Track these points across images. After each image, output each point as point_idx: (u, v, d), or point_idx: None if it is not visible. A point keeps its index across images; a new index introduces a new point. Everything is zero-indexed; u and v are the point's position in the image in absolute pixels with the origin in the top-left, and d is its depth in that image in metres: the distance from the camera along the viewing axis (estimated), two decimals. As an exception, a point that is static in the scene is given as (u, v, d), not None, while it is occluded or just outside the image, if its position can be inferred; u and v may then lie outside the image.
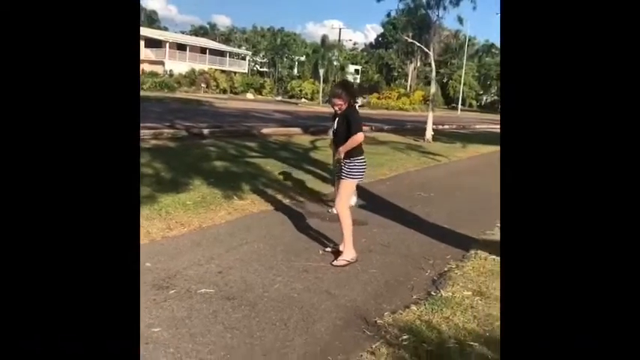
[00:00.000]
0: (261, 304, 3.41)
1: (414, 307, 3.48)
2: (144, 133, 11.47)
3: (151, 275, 3.72)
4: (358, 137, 4.22)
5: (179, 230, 4.87)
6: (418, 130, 18.40)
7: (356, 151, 4.32)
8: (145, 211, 5.22)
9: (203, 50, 54.43)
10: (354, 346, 2.95)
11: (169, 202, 5.67)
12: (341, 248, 4.40)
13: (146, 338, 2.84)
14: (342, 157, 4.27)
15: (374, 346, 2.94)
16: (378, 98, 48.39)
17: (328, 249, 4.62)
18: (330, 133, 4.60)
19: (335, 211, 4.57)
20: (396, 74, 65.86)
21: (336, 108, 4.36)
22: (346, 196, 4.35)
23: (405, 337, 3.05)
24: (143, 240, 4.48)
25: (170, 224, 4.99)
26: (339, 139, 4.36)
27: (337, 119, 4.42)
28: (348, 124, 4.27)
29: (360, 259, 4.40)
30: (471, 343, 2.99)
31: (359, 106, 45.79)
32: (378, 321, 3.29)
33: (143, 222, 4.89)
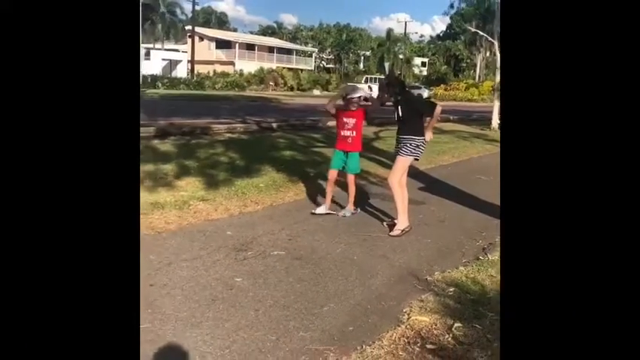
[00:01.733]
0: (325, 264, 3.93)
1: (462, 268, 3.88)
2: (218, 127, 12.32)
3: (232, 241, 4.32)
4: (439, 109, 4.80)
5: (253, 207, 5.48)
6: (485, 120, 18.37)
7: (417, 131, 4.76)
8: (223, 192, 5.88)
9: (271, 49, 55.86)
10: (405, 296, 3.41)
11: (244, 185, 6.30)
12: (396, 221, 4.85)
13: (230, 285, 3.42)
14: (429, 137, 4.83)
15: (423, 297, 3.37)
16: (446, 90, 47.82)
17: (386, 223, 5.08)
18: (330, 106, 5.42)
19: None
20: (464, 65, 64.67)
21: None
22: (399, 171, 4.79)
23: (451, 289, 3.47)
24: (223, 215, 5.12)
25: (246, 202, 5.61)
26: (406, 124, 4.83)
27: (399, 106, 4.87)
28: (417, 107, 4.82)
29: (415, 231, 4.82)
30: (510, 294, 3.36)
31: (426, 98, 45.61)
32: (428, 278, 3.72)
33: (222, 200, 5.55)
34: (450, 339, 2.81)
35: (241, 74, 46.59)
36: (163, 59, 45.07)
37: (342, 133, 5.35)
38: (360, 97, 5.31)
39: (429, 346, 2.73)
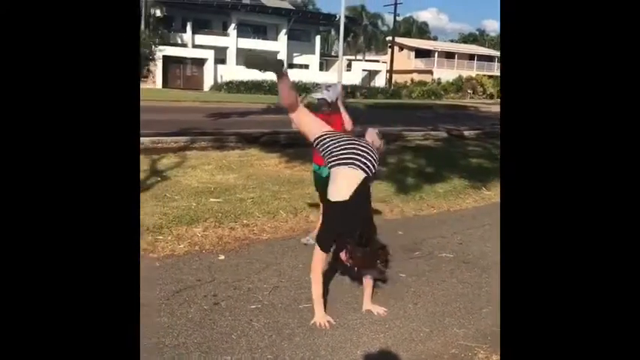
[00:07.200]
0: (492, 269, 3.91)
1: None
2: (410, 134, 12.62)
3: (401, 240, 4.54)
4: None
5: (429, 211, 5.62)
6: None
7: None
8: (401, 196, 6.12)
9: (471, 57, 54.49)
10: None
11: (425, 190, 6.47)
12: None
13: (394, 280, 3.64)
14: None
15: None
16: None
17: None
18: None
19: None
20: None
21: None
22: None
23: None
24: (397, 216, 5.36)
25: (422, 206, 5.78)
26: None
27: None
28: None
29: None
30: None
31: None
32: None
33: (399, 203, 5.78)
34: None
35: (439, 82, 46.36)
36: (363, 70, 46.99)
37: None
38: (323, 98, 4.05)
39: None
